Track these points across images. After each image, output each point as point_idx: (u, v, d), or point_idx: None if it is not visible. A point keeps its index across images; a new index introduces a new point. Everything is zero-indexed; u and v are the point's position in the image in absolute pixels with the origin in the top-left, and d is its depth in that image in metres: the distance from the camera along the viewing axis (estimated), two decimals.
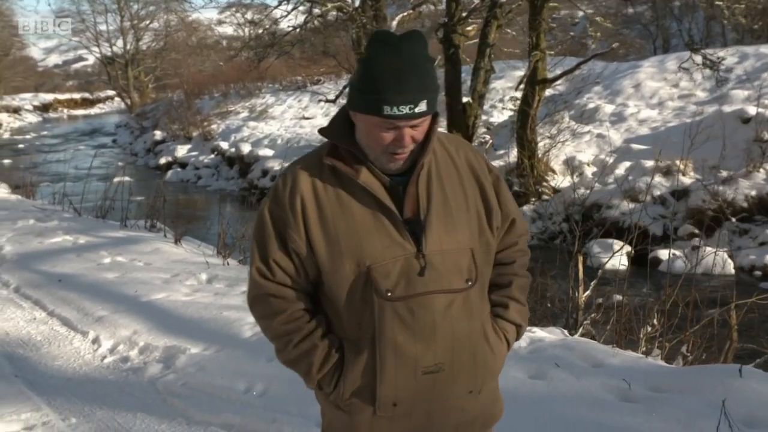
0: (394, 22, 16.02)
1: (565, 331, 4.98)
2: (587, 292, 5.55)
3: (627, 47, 25.60)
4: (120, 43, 41.64)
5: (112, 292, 6.16)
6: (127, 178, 13.53)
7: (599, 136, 13.78)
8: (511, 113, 15.53)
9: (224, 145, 21.73)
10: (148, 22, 42.26)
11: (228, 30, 40.15)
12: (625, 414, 3.37)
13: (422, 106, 1.65)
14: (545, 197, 12.54)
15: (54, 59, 73.58)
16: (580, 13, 19.06)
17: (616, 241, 9.67)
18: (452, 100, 13.25)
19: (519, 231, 1.97)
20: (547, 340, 4.51)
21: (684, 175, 11.37)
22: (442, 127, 14.59)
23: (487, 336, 1.83)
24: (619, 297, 5.34)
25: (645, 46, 27.96)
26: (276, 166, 17.42)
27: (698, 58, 12.58)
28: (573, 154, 13.28)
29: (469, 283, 1.77)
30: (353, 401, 1.79)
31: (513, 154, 13.44)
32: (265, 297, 1.81)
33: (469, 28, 14.29)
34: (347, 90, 1.75)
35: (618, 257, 7.82)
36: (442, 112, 14.96)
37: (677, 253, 8.95)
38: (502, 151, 14.17)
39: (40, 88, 55.88)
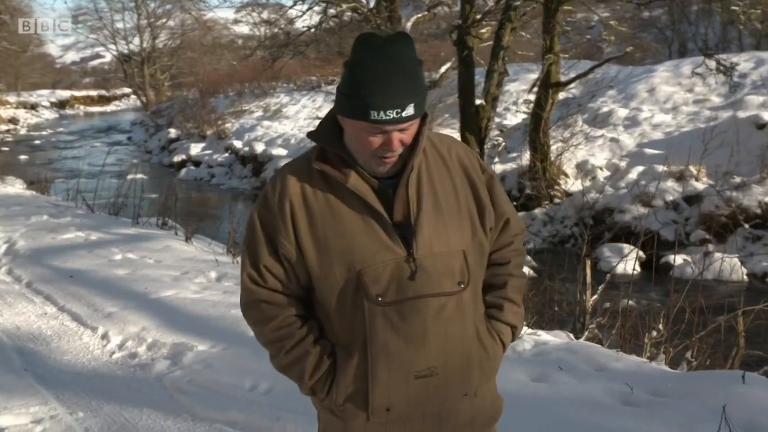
0: (409, 24, 16.04)
1: (571, 335, 4.99)
2: (595, 296, 5.53)
3: (643, 51, 25.46)
4: (136, 40, 41.96)
5: (122, 289, 6.22)
6: (140, 176, 13.65)
7: (612, 140, 13.73)
8: (525, 116, 15.49)
9: (238, 144, 21.81)
10: (164, 20, 42.60)
11: (244, 29, 40.29)
12: (627, 418, 3.37)
13: (410, 110, 1.61)
14: (557, 200, 12.53)
15: (71, 56, 74.18)
16: (596, 17, 18.96)
17: (626, 245, 9.66)
18: (465, 102, 13.25)
19: (514, 230, 1.93)
20: (552, 344, 4.52)
21: (697, 180, 11.31)
22: (455, 129, 14.67)
23: (482, 338, 1.80)
24: (626, 301, 5.34)
25: (661, 50, 27.80)
26: None
27: (712, 64, 12.50)
28: (586, 158, 13.26)
29: (462, 286, 1.74)
30: (347, 407, 1.77)
31: (525, 157, 13.45)
32: (257, 303, 1.80)
33: (483, 31, 14.29)
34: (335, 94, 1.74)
35: (629, 262, 7.81)
36: (455, 114, 14.98)
37: (687, 258, 8.93)
38: (514, 154, 14.18)
39: (57, 84, 56.44)
